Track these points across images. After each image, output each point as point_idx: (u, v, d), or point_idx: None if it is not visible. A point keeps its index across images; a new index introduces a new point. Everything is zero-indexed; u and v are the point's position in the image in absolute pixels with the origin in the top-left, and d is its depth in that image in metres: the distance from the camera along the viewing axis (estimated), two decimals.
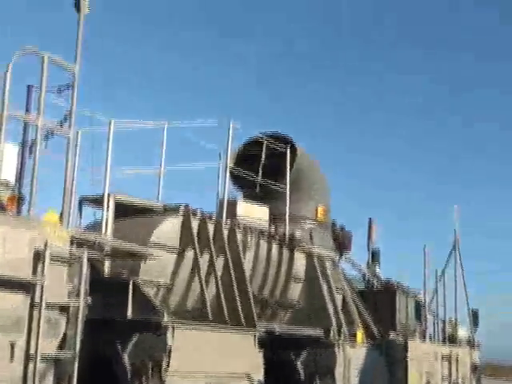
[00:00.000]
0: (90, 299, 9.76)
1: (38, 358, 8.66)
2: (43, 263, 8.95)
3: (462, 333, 24.89)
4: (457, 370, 22.03)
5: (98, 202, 12.07)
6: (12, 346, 8.53)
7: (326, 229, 18.38)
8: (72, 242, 9.94)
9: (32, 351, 8.68)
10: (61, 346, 9.28)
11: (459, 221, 25.84)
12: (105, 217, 11.77)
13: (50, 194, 10.91)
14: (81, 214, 12.65)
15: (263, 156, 17.37)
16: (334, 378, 15.42)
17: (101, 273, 11.70)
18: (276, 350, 14.86)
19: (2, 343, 8.43)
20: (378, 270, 22.73)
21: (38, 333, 8.72)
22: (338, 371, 15.51)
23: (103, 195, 11.85)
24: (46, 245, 9.00)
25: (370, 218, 23.76)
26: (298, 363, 15.68)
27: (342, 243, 19.47)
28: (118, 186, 12.57)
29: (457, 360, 22.13)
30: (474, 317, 26.37)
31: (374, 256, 23.26)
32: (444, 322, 24.18)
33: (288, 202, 16.22)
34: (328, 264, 17.19)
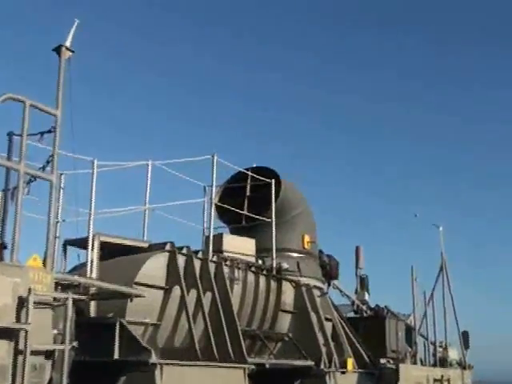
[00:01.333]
0: (75, 342, 9.55)
1: None
2: (27, 309, 8.74)
3: (453, 355, 24.64)
4: None
5: (82, 244, 11.90)
6: None
7: (313, 258, 18.20)
8: (57, 286, 9.78)
9: None
10: None
11: (445, 242, 25.65)
12: (90, 258, 11.61)
13: (33, 238, 10.76)
14: (65, 257, 12.47)
15: (248, 188, 17.32)
16: None
17: (87, 314, 11.53)
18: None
19: None
20: (366, 296, 22.57)
21: (22, 381, 8.48)
22: None
23: (88, 237, 11.68)
24: (29, 291, 8.81)
25: (357, 246, 23.66)
26: None
27: (329, 271, 19.33)
28: (103, 226, 12.48)
29: (449, 383, 21.88)
30: (465, 338, 26.13)
31: (363, 282, 23.11)
32: (435, 344, 23.95)
33: (274, 233, 16.10)
34: (316, 293, 17.04)
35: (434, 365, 23.12)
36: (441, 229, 25.42)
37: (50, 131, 10.25)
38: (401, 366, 18.74)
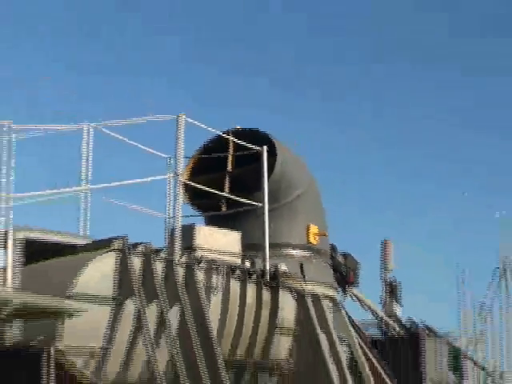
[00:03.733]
0: None
1: None
2: None
3: None
4: None
5: None
6: None
7: (323, 257, 18.09)
8: None
9: None
10: None
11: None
12: (8, 262, 11.43)
13: None
14: None
15: (230, 160, 17.15)
16: None
17: (3, 341, 11.38)
18: None
19: None
20: (397, 308, 22.55)
21: None
22: None
23: (4, 232, 11.51)
24: None
25: (386, 240, 23.55)
26: None
27: (345, 276, 19.26)
28: (25, 217, 12.38)
29: None
30: None
31: (392, 290, 23.08)
32: (489, 373, 24.03)
33: (267, 222, 15.96)
34: (327, 305, 16.94)
35: None
36: (498, 216, 25.39)
37: None
38: None
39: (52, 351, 11.30)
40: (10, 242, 11.59)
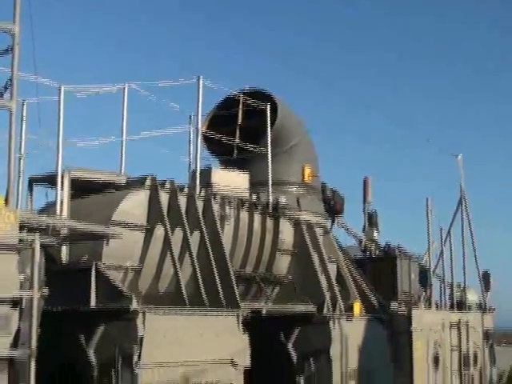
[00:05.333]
0: (46, 290, 9.52)
1: None
2: None
3: (472, 297, 24.74)
4: (467, 338, 21.95)
5: (50, 180, 11.78)
6: None
7: (315, 193, 18.10)
8: (22, 228, 9.69)
9: None
10: (15, 344, 9.05)
11: (464, 172, 25.45)
12: (59, 197, 11.50)
13: None
14: (31, 197, 12.37)
15: (240, 115, 17.10)
16: (330, 358, 15.27)
17: (58, 260, 11.50)
18: (264, 332, 14.71)
19: None
20: (375, 234, 22.49)
21: None
22: (334, 349, 15.35)
23: (56, 173, 11.56)
24: None
25: (366, 177, 23.49)
26: (289, 344, 15.52)
27: (333, 207, 19.22)
28: (73, 161, 12.39)
29: (467, 327, 22.02)
30: (485, 279, 26.23)
31: (371, 219, 23.00)
32: (452, 286, 24.03)
33: (270, 164, 16.00)
34: (319, 231, 17.02)
35: (451, 308, 23.25)
36: (459, 157, 25.22)
37: (7, 50, 10.02)
38: (413, 310, 18.81)
39: (99, 267, 11.46)
40: (60, 181, 11.63)
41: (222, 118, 17.29)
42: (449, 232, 23.79)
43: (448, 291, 24.14)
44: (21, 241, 9.37)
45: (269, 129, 16.19)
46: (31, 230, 9.99)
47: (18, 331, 9.10)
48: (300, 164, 17.65)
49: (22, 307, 9.19)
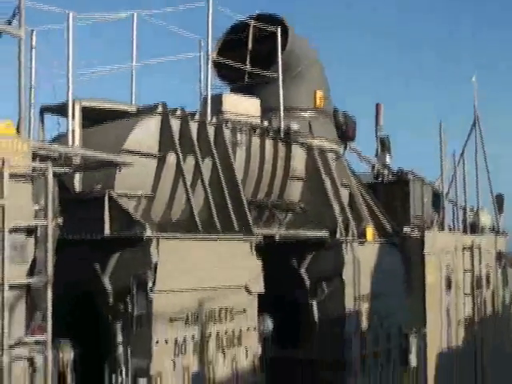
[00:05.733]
0: (60, 218, 9.65)
1: (6, 286, 8.61)
2: (2, 183, 8.77)
3: (485, 220, 24.87)
4: (480, 260, 22.18)
5: (61, 110, 11.78)
6: None
7: (327, 118, 18.03)
8: (34, 157, 9.77)
9: None
10: (31, 273, 9.22)
11: (478, 93, 25.29)
12: (71, 126, 11.52)
13: (5, 107, 10.64)
14: (43, 126, 12.42)
15: (250, 39, 16.94)
16: (343, 281, 15.48)
17: (71, 189, 11.60)
18: (276, 258, 14.89)
19: None
20: (388, 159, 22.44)
21: (2, 260, 8.63)
22: (347, 273, 15.55)
23: (67, 102, 11.53)
24: (3, 161, 8.80)
25: (378, 103, 23.37)
26: (302, 269, 15.73)
27: (345, 132, 19.13)
28: (84, 91, 12.33)
29: (479, 250, 22.23)
30: (499, 202, 26.35)
31: (384, 144, 22.92)
32: (465, 209, 24.16)
33: (281, 89, 15.89)
34: (331, 157, 17.04)
35: (464, 231, 23.43)
36: (474, 79, 25.05)
37: None
38: (426, 233, 18.97)
39: (112, 195, 11.57)
40: (71, 110, 11.65)
41: (232, 43, 17.13)
42: (462, 154, 23.83)
43: (461, 215, 24.30)
44: (34, 170, 9.44)
45: (279, 53, 16.02)
46: (43, 159, 10.08)
47: (34, 260, 9.25)
48: (311, 89, 17.49)
49: (37, 236, 9.31)
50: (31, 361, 9.03)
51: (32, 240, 9.25)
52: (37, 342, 9.15)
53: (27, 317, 9.13)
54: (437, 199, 22.49)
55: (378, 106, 23.29)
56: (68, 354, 11.38)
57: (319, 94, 17.49)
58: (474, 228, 23.93)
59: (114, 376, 10.77)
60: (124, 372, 10.71)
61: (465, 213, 24.53)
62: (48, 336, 9.12)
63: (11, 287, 8.71)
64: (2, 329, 8.55)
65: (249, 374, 12.70)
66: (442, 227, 21.13)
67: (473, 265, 21.55)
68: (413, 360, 17.69)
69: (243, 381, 12.56)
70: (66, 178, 11.44)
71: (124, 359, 10.77)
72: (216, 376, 12.03)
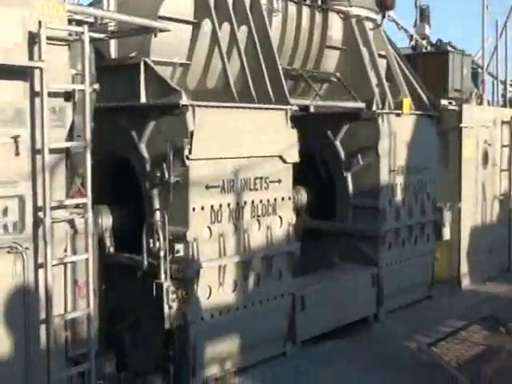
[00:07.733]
0: (97, 85, 9.82)
1: (46, 150, 8.85)
2: (39, 46, 8.87)
3: None
4: None
5: None
6: (16, 141, 8.72)
7: None
8: (70, 22, 9.87)
9: (38, 144, 8.88)
10: (70, 138, 9.46)
11: None
12: None
13: None
14: None
15: None
16: (378, 154, 15.64)
17: (107, 56, 11.70)
18: (311, 129, 15.04)
19: (4, 139, 8.62)
20: (427, 30, 22.11)
21: (42, 124, 8.84)
22: (382, 146, 15.68)
23: None
24: (40, 24, 8.87)
25: None
26: (337, 141, 15.88)
27: (384, 0, 18.76)
28: None
29: None
30: None
31: (423, 14, 22.54)
32: (505, 83, 23.94)
33: None
34: (369, 26, 16.87)
35: (504, 106, 23.29)
36: None
37: None
38: (464, 106, 18.93)
39: (147, 62, 11.67)
40: None
41: None
42: (505, 25, 23.36)
43: (501, 89, 24.11)
44: (70, 35, 9.54)
45: None
46: (79, 24, 10.17)
47: (72, 126, 9.47)
48: None
49: (74, 101, 9.50)
50: (72, 223, 9.38)
51: (70, 105, 9.42)
52: (77, 206, 9.51)
53: (67, 181, 9.44)
54: (476, 73, 22.30)
55: None
56: (107, 220, 11.87)
57: None
58: None
59: (151, 241, 11.10)
60: (162, 237, 11.05)
61: (505, 87, 24.34)
62: (88, 199, 9.44)
63: (51, 151, 8.94)
64: (44, 191, 8.85)
65: (283, 242, 13.07)
66: (480, 101, 21.02)
67: (511, 140, 21.50)
68: (446, 233, 18.02)
69: (278, 248, 12.95)
70: (102, 45, 11.55)
71: (161, 225, 11.10)
72: (251, 243, 12.41)
